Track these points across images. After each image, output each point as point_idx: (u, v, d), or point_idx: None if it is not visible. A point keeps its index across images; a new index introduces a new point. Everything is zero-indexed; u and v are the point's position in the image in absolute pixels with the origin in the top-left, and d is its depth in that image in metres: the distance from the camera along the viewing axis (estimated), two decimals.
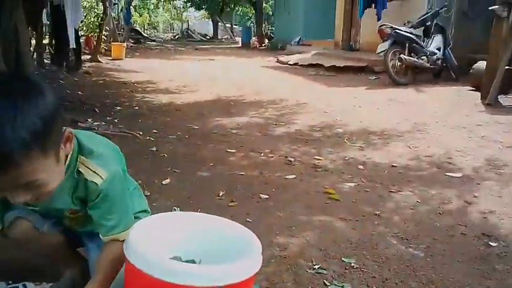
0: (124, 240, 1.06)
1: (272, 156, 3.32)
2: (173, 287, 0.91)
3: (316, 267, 1.76)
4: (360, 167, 3.09)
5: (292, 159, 3.23)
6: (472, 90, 6.17)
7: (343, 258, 1.84)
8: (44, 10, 6.47)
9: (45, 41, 8.14)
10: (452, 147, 3.54)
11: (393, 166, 3.10)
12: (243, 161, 3.23)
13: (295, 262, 1.80)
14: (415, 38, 7.16)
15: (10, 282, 1.44)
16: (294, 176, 2.88)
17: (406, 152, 3.45)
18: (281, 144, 3.66)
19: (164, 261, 0.96)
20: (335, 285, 1.65)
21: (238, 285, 0.95)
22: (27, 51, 5.44)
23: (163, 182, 2.70)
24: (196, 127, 4.29)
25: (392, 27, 7.07)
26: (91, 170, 1.14)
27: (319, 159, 3.26)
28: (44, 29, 7.64)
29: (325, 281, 1.67)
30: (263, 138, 3.92)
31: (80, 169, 1.14)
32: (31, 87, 0.94)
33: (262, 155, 3.36)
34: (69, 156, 1.12)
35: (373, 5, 9.64)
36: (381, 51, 6.95)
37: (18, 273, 1.49)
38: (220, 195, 2.53)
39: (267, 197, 2.51)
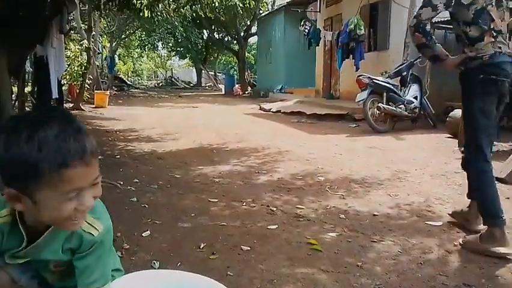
0: None
1: (254, 206, 3.30)
2: None
3: None
4: (342, 216, 3.09)
5: (275, 209, 3.22)
6: (450, 137, 6.34)
7: None
8: (27, 59, 6.54)
9: (28, 89, 8.16)
10: (432, 195, 3.59)
11: (374, 215, 3.11)
12: (225, 210, 3.20)
13: None
14: (392, 87, 7.42)
15: None
16: (276, 225, 2.86)
17: (387, 200, 3.48)
18: (263, 193, 3.66)
19: None
20: None
21: None
22: (9, 100, 5.43)
23: (143, 234, 2.65)
24: (178, 176, 4.28)
25: (369, 77, 7.33)
26: (88, 222, 1.19)
27: (301, 208, 3.26)
28: (26, 77, 7.69)
29: None
30: (245, 187, 3.92)
31: None
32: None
33: (244, 204, 3.34)
34: None
35: (351, 56, 10.01)
36: (360, 100, 7.16)
37: None
38: (201, 247, 2.49)
39: (249, 248, 2.48)
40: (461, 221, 2.86)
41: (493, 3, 2.48)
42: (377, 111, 7.23)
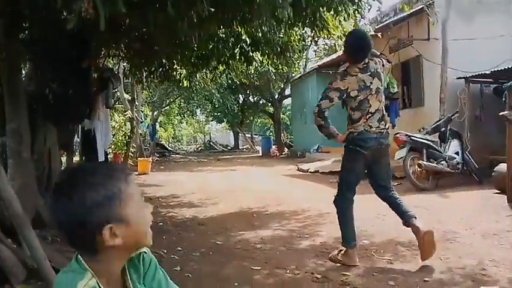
0: None
1: (298, 273, 3.24)
2: None
3: None
4: (391, 282, 2.97)
5: (319, 276, 3.14)
6: (497, 193, 6.07)
7: None
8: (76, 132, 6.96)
9: (76, 158, 8.57)
10: (485, 257, 3.41)
11: (425, 280, 2.97)
12: (269, 279, 3.15)
13: None
14: (432, 143, 7.30)
15: None
16: None
17: (438, 264, 3.32)
18: (307, 259, 3.58)
19: None
20: None
21: None
22: (60, 170, 5.73)
23: None
24: (220, 242, 4.28)
25: (407, 134, 7.26)
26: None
27: (347, 275, 3.16)
28: (74, 147, 8.12)
29: None
30: (288, 252, 3.86)
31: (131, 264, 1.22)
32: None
33: (288, 271, 3.28)
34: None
35: (386, 114, 10.00)
36: (400, 158, 7.06)
37: None
38: None
39: None
40: None
41: (373, 93, 3.38)
42: (418, 169, 7.08)
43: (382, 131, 3.48)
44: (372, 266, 3.33)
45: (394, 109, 9.80)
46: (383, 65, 3.55)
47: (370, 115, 3.41)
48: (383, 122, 3.50)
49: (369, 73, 3.39)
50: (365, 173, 3.65)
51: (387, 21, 10.36)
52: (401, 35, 10.37)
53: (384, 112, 3.56)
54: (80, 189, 1.08)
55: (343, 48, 3.82)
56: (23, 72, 5.40)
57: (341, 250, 3.47)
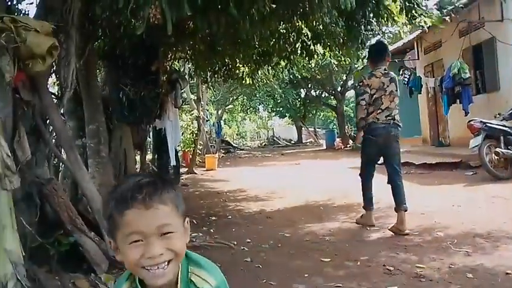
0: None
1: (369, 265, 3.19)
2: None
3: None
4: (470, 275, 2.84)
5: (392, 268, 3.07)
6: None
7: None
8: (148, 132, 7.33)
9: (149, 157, 9.03)
10: None
11: (507, 273, 2.81)
12: (339, 271, 3.13)
13: None
14: (510, 130, 6.82)
15: None
16: (396, 287, 2.72)
17: None
18: (378, 252, 3.52)
19: None
20: None
21: None
22: (134, 168, 6.08)
23: None
24: (288, 235, 4.31)
25: (481, 121, 6.84)
26: (202, 278, 1.21)
27: (421, 267, 3.06)
28: (147, 147, 8.56)
29: None
30: (358, 244, 3.81)
31: (192, 278, 1.21)
32: (168, 179, 1.21)
33: (358, 263, 3.25)
34: (180, 265, 1.19)
35: (458, 101, 9.49)
36: (475, 146, 6.67)
37: None
38: None
39: None
40: None
41: (386, 94, 4.28)
42: (495, 157, 6.64)
43: (389, 122, 4.30)
44: (449, 258, 3.19)
45: (466, 95, 9.28)
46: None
47: (380, 111, 4.29)
48: (389, 117, 4.31)
49: (389, 78, 4.33)
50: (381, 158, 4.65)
51: (457, 4, 9.79)
52: (471, 17, 9.77)
53: (395, 110, 4.38)
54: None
55: (367, 55, 4.85)
56: (98, 78, 5.77)
57: (362, 214, 4.54)
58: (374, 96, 4.28)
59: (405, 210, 4.14)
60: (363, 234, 4.12)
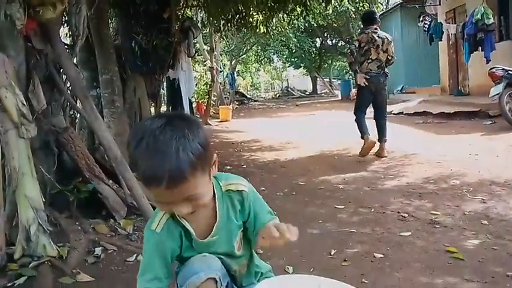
0: None
1: (384, 212, 3.21)
2: None
3: None
4: (484, 221, 2.84)
5: (406, 215, 3.09)
6: None
7: None
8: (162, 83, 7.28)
9: (163, 109, 9.04)
10: None
11: None
12: (353, 217, 3.17)
13: None
14: None
15: None
16: (410, 232, 2.74)
17: None
18: (392, 199, 3.53)
19: None
20: None
21: None
22: None
23: None
24: (302, 183, 4.34)
25: (503, 68, 6.62)
26: (235, 184, 1.34)
27: (436, 214, 3.07)
28: (161, 99, 8.55)
29: None
30: (372, 192, 3.82)
31: (227, 188, 1.34)
32: (191, 122, 1.20)
33: (372, 210, 3.27)
34: (213, 186, 1.30)
35: (480, 48, 9.14)
36: (495, 95, 6.50)
37: None
38: (332, 253, 2.50)
39: (382, 256, 2.42)
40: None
41: (373, 47, 5.29)
42: None
43: (379, 72, 5.35)
44: (464, 206, 3.19)
45: (489, 42, 8.94)
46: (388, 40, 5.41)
47: (370, 61, 5.31)
48: (380, 68, 5.35)
49: (377, 35, 5.33)
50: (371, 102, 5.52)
51: None
52: None
53: (383, 61, 5.36)
54: (134, 148, 1.15)
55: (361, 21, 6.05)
56: (110, 27, 5.67)
57: (362, 146, 5.39)
58: (364, 48, 5.31)
59: (385, 142, 5.40)
60: (378, 183, 4.13)
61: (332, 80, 32.96)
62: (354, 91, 20.97)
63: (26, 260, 2.30)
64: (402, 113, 10.36)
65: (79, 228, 2.81)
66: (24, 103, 2.51)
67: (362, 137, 5.39)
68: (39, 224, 2.39)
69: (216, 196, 1.31)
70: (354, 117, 5.54)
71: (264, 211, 1.37)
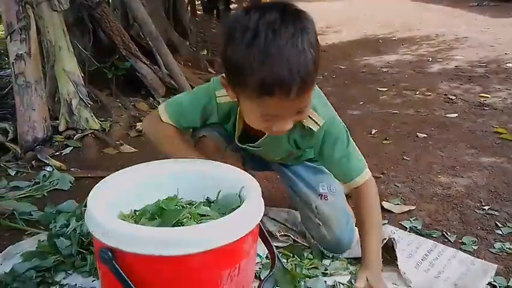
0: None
1: (429, 95, 3.06)
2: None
3: (486, 208, 1.60)
4: None
5: (454, 97, 2.93)
6: None
7: None
8: None
9: None
10: None
11: None
12: (396, 99, 3.04)
13: (461, 202, 1.66)
14: None
15: None
16: (456, 114, 2.62)
17: None
18: (439, 82, 3.34)
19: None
20: (509, 227, 1.48)
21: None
22: (183, 3, 5.84)
23: None
24: (343, 67, 4.17)
25: None
26: (310, 117, 1.12)
27: (485, 96, 2.91)
28: None
29: (497, 222, 1.52)
30: (418, 76, 3.63)
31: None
32: (301, 11, 0.98)
33: (417, 93, 3.12)
34: None
35: None
36: None
37: None
38: (373, 133, 2.44)
39: (425, 136, 2.34)
40: None
41: None
42: None
43: None
44: None
45: None
46: None
47: None
48: None
49: None
50: None
51: None
52: None
53: None
54: (242, 39, 0.92)
55: None
56: None
57: None
58: None
59: None
60: (424, 66, 3.90)
61: None
62: None
63: (71, 133, 2.38)
64: None
65: (120, 105, 2.84)
66: None
67: None
68: (80, 99, 2.42)
69: None
70: None
71: (340, 166, 1.18)
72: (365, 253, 1.16)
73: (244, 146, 1.26)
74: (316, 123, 1.13)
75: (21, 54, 2.12)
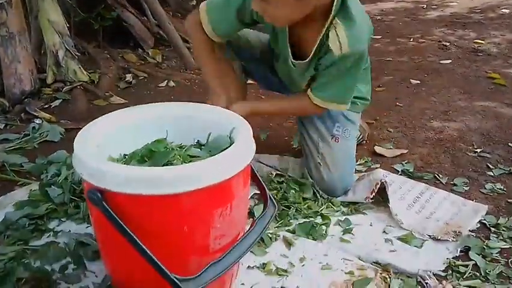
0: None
1: (423, 42, 3.01)
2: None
3: (478, 150, 1.61)
4: None
5: (448, 44, 2.89)
6: None
7: (510, 143, 1.65)
8: None
9: None
10: None
11: None
12: (390, 46, 2.99)
13: (454, 145, 1.66)
14: None
15: None
16: (450, 60, 2.59)
17: None
18: (434, 29, 3.29)
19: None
20: (501, 168, 1.50)
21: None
22: None
23: None
24: None
25: None
26: (338, 38, 1.10)
27: (480, 42, 2.87)
28: None
29: (488, 164, 1.53)
30: (412, 23, 3.55)
31: (329, 33, 1.12)
32: None
33: (411, 40, 3.07)
34: (330, 16, 1.10)
35: None
36: None
37: None
38: None
39: (419, 82, 2.32)
40: None
41: None
42: None
43: None
44: (511, 35, 2.95)
45: None
46: None
47: None
48: None
49: None
50: None
51: None
52: None
53: None
54: None
55: None
56: None
57: None
58: None
59: None
60: (419, 13, 3.82)
61: None
62: None
63: (59, 85, 2.32)
64: None
65: (108, 56, 2.77)
66: None
67: None
68: (67, 49, 2.35)
69: (323, 32, 1.12)
70: None
71: (326, 88, 1.21)
72: (264, 100, 1.42)
73: (293, 61, 1.25)
74: (340, 49, 1.12)
75: (1, 3, 2.04)
